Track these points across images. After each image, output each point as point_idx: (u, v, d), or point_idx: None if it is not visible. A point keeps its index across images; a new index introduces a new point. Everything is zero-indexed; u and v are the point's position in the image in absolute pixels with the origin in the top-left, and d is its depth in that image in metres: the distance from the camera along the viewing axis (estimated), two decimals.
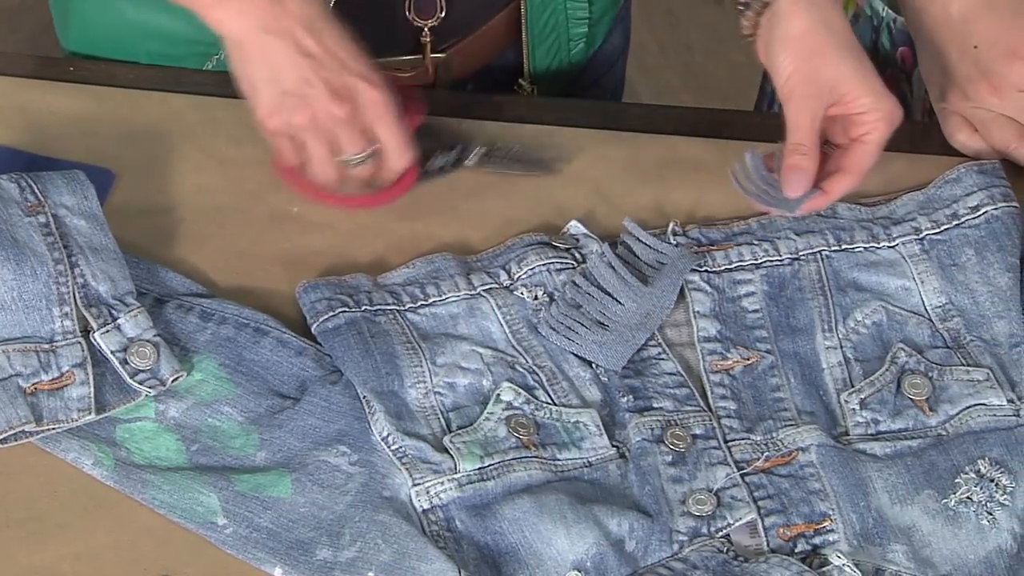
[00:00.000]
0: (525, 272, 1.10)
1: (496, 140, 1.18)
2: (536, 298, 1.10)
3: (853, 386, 1.07)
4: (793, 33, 1.07)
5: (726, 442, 1.04)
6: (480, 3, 1.27)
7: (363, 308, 1.07)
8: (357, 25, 1.20)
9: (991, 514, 1.02)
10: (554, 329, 1.08)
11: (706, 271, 1.11)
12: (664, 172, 1.19)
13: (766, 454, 1.03)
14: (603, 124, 1.22)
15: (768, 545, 1.00)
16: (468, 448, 1.02)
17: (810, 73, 1.07)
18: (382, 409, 1.03)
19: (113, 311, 1.03)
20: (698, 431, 1.04)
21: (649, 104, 1.34)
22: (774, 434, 1.04)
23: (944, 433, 1.05)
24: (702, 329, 1.09)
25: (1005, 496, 1.02)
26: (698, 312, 1.09)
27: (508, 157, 1.17)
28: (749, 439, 1.04)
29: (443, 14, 1.23)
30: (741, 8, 1.10)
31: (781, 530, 1.00)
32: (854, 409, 1.06)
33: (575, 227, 1.12)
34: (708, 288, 1.11)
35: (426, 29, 1.24)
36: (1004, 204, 1.14)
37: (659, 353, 1.08)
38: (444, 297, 1.09)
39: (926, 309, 1.11)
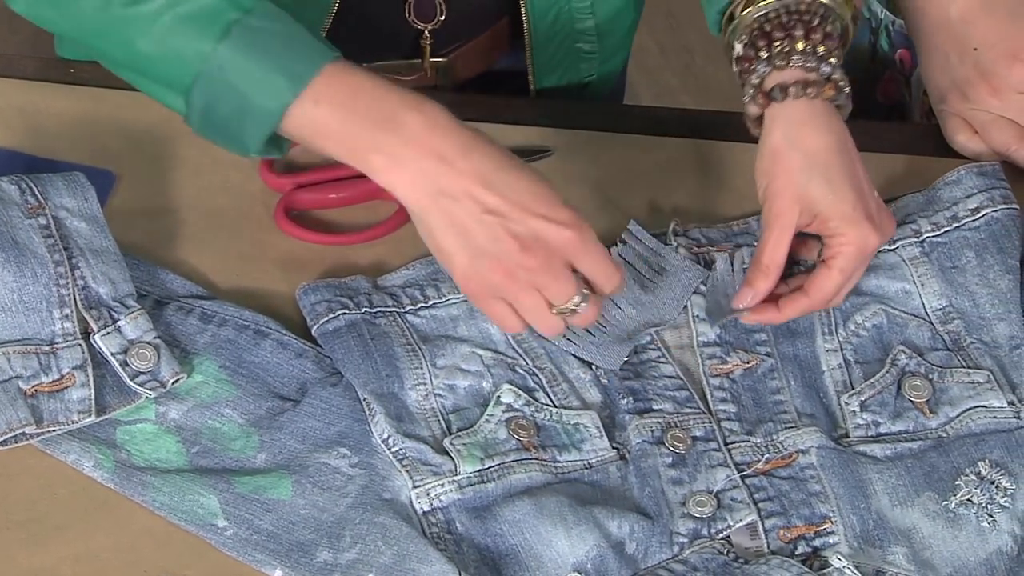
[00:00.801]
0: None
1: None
2: None
3: (853, 388, 1.07)
4: (774, 144, 1.05)
5: (726, 444, 1.04)
6: (479, 9, 1.27)
7: (363, 310, 1.07)
8: (358, 28, 1.20)
9: (991, 516, 1.02)
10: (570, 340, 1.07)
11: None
12: (664, 174, 1.19)
13: (766, 456, 1.03)
14: (603, 126, 1.22)
15: (768, 547, 1.00)
16: (468, 450, 1.02)
17: (791, 190, 1.04)
18: (382, 411, 1.03)
19: (113, 313, 1.03)
20: (698, 433, 1.04)
21: (649, 106, 1.34)
22: (774, 436, 1.04)
23: (944, 435, 1.05)
24: (701, 334, 1.09)
25: (1005, 498, 1.02)
26: (697, 316, 1.09)
27: None
28: (749, 441, 1.04)
29: (443, 17, 1.23)
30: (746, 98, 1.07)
31: (781, 532, 1.01)
32: (854, 411, 1.06)
33: None
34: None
35: (426, 32, 1.24)
36: (1004, 206, 1.14)
37: (659, 356, 1.08)
38: (444, 299, 1.09)
39: (926, 311, 1.11)
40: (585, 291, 0.99)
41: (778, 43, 1.05)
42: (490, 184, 0.97)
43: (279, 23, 0.98)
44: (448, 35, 1.26)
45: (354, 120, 0.97)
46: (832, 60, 1.05)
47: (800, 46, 1.04)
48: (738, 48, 1.07)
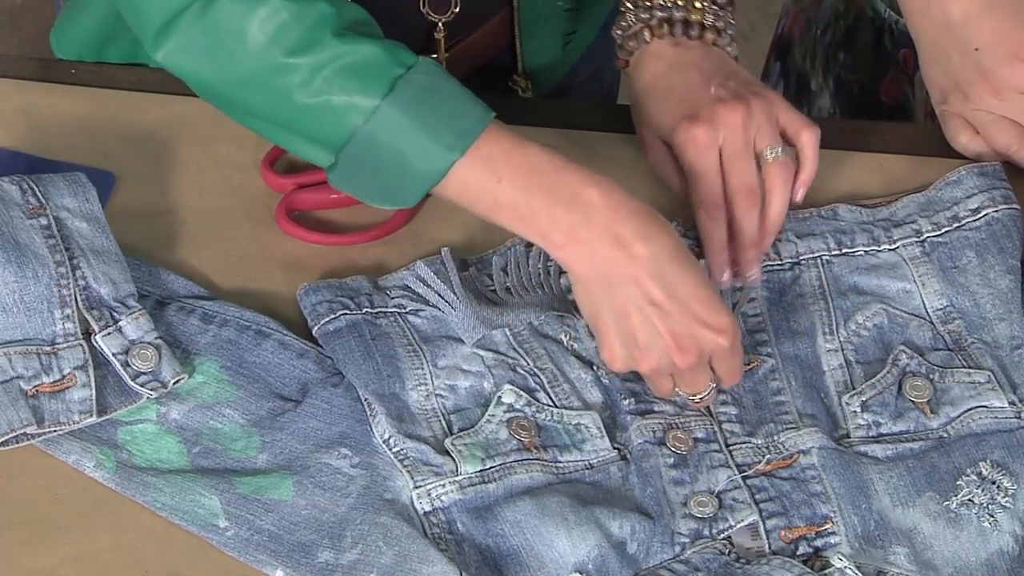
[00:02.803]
0: (524, 274, 1.10)
1: None
2: None
3: (854, 388, 1.07)
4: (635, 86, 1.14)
5: (727, 446, 1.04)
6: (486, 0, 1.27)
7: (364, 310, 1.07)
8: None
9: (993, 516, 1.02)
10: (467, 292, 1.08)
11: None
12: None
13: (767, 457, 1.03)
14: (603, 126, 1.22)
15: (770, 547, 1.00)
16: (469, 450, 1.02)
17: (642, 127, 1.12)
18: (383, 411, 1.03)
19: (114, 313, 1.03)
20: (699, 434, 1.04)
21: None
22: (775, 437, 1.04)
23: (945, 435, 1.05)
24: None
25: (1007, 498, 1.02)
26: None
27: None
28: (750, 442, 1.04)
29: (457, 9, 1.23)
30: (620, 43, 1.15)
31: (783, 532, 1.00)
32: (855, 411, 1.06)
33: None
34: None
35: (440, 24, 1.23)
36: (1005, 206, 1.14)
37: None
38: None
39: (927, 311, 1.11)
40: (712, 383, 1.03)
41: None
42: (659, 277, 0.98)
43: (441, 80, 0.99)
44: (458, 28, 1.25)
45: (536, 197, 0.98)
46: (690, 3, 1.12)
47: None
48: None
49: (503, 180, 0.98)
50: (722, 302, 1.01)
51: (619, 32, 1.15)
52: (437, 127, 0.97)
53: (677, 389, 1.04)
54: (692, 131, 1.08)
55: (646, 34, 1.13)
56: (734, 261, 1.09)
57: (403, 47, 1.00)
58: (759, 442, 1.04)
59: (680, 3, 1.13)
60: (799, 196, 1.10)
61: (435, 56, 1.24)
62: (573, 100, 1.38)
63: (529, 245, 1.10)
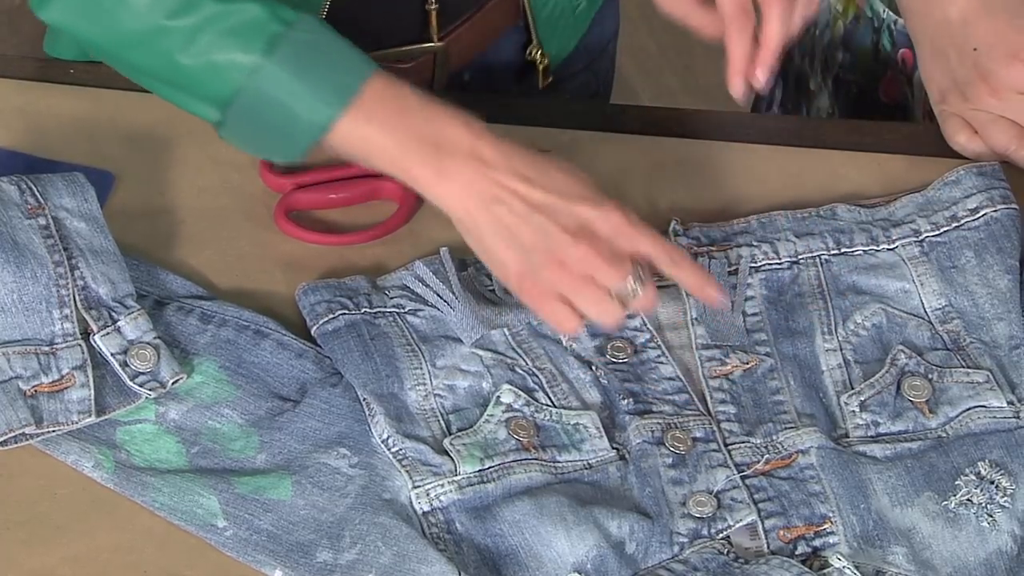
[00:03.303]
0: None
1: None
2: None
3: (853, 388, 1.07)
4: None
5: (726, 445, 1.04)
6: None
7: (363, 310, 1.07)
8: (363, 9, 1.20)
9: (991, 516, 1.02)
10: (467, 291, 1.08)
11: None
12: (664, 174, 1.19)
13: (766, 457, 1.03)
14: (602, 126, 1.22)
15: (768, 547, 1.00)
16: (468, 450, 1.02)
17: None
18: (382, 411, 1.03)
19: (113, 313, 1.03)
20: (698, 434, 1.04)
21: (648, 106, 1.34)
22: (774, 437, 1.04)
23: (944, 435, 1.05)
24: (700, 336, 1.09)
25: (1005, 498, 1.02)
26: (695, 318, 1.09)
27: None
28: (749, 442, 1.04)
29: None
30: None
31: (781, 532, 1.00)
32: (854, 411, 1.06)
33: None
34: None
35: (432, 1, 1.24)
36: (1003, 206, 1.14)
37: (658, 356, 1.08)
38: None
39: (926, 311, 1.11)
40: (642, 276, 1.01)
41: None
42: (532, 181, 0.99)
43: (323, 36, 1.00)
44: (457, 9, 1.25)
45: (404, 138, 1.00)
46: None
47: None
48: None
49: (375, 125, 1.00)
50: (598, 187, 1.01)
51: None
52: (318, 82, 0.99)
53: (612, 298, 1.01)
54: None
55: None
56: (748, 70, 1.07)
57: (283, 6, 1.01)
58: (758, 442, 1.04)
59: None
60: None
61: (430, 37, 1.24)
62: (568, 96, 1.38)
63: None
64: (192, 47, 0.99)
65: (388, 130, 1.00)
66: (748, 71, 1.06)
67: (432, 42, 1.25)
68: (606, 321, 1.02)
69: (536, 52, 1.30)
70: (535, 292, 1.01)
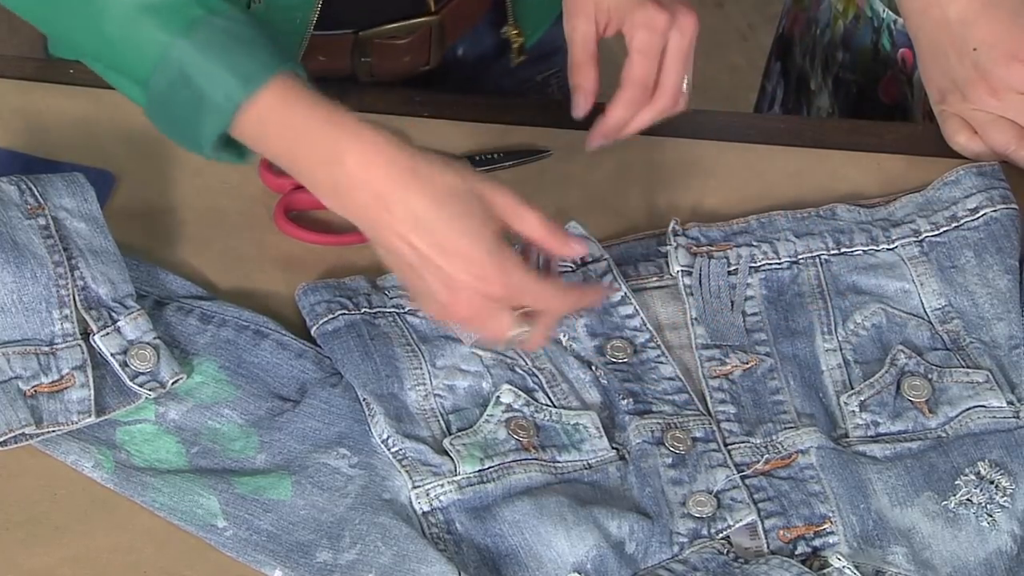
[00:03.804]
0: None
1: (481, 148, 1.18)
2: None
3: (853, 388, 1.07)
4: None
5: (726, 445, 1.04)
6: None
7: (362, 310, 1.07)
8: None
9: (991, 516, 1.02)
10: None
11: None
12: (663, 174, 1.19)
13: (766, 456, 1.03)
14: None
15: (768, 547, 1.00)
16: (468, 450, 1.02)
17: (587, 6, 1.11)
18: (382, 411, 1.03)
19: (113, 313, 1.03)
20: (698, 434, 1.04)
21: None
22: (774, 437, 1.04)
23: (944, 435, 1.05)
24: (699, 336, 1.09)
25: (1005, 498, 1.02)
26: (695, 318, 1.09)
27: (493, 162, 1.18)
28: (749, 442, 1.04)
29: None
30: None
31: (781, 532, 1.00)
32: (854, 411, 1.06)
33: (574, 228, 1.12)
34: None
35: None
36: (1003, 206, 1.14)
37: (658, 356, 1.08)
38: None
39: (925, 311, 1.11)
40: (527, 323, 0.99)
41: None
42: (421, 231, 0.97)
43: (244, 27, 0.99)
44: None
45: (299, 154, 0.99)
46: None
47: None
48: None
49: (271, 135, 0.99)
50: (499, 251, 0.97)
51: None
52: (229, 67, 0.98)
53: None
54: (654, 17, 1.11)
55: None
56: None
57: None
58: (758, 441, 1.04)
59: None
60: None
61: (426, 9, 1.24)
62: (557, 71, 1.37)
63: (528, 245, 1.10)
64: (115, 19, 0.99)
65: (284, 142, 0.99)
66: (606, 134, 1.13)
67: (428, 15, 1.25)
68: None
69: (511, 31, 1.31)
70: (434, 316, 1.03)
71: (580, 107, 1.13)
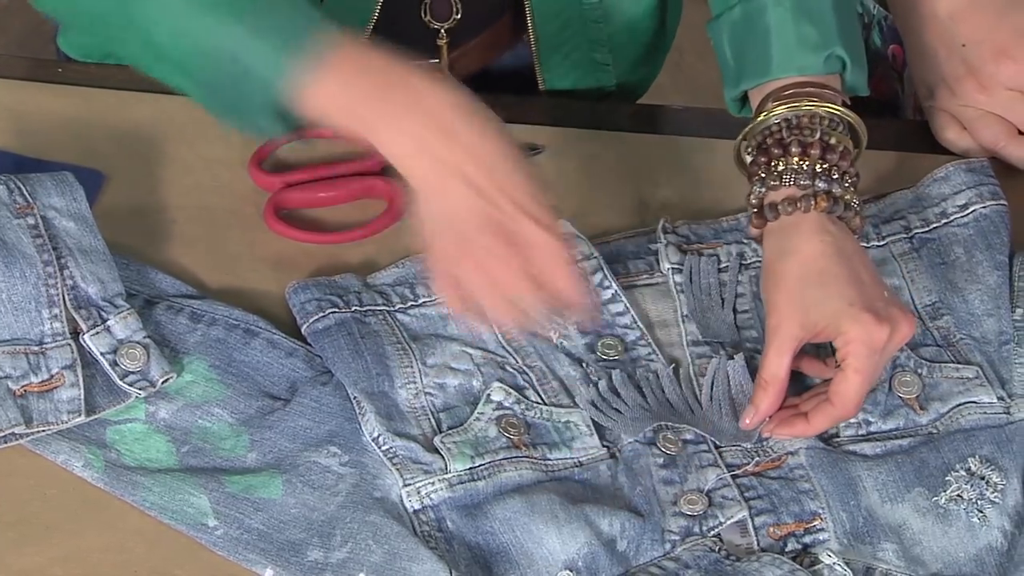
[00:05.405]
0: None
1: None
2: None
3: None
4: (768, 259, 1.04)
5: (716, 447, 1.04)
6: (488, 6, 1.27)
7: (353, 309, 1.07)
8: (373, 31, 1.19)
9: (981, 512, 1.02)
10: (597, 408, 1.05)
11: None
12: (654, 172, 1.19)
13: (756, 459, 1.03)
14: (594, 124, 1.22)
15: (758, 544, 1.00)
16: (459, 448, 1.02)
17: (787, 302, 1.02)
18: (372, 410, 1.03)
19: (103, 313, 1.03)
20: (689, 436, 1.04)
21: (639, 104, 1.34)
22: (763, 439, 1.04)
23: (935, 431, 1.05)
24: (690, 332, 1.09)
25: (995, 494, 1.02)
26: (686, 315, 1.09)
27: None
28: (739, 445, 1.04)
29: (458, 16, 1.23)
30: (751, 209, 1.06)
31: (771, 529, 1.01)
32: None
33: (564, 227, 1.12)
34: None
35: (443, 31, 1.23)
36: (992, 202, 1.14)
37: (648, 354, 1.08)
38: (434, 298, 1.09)
39: (916, 307, 1.11)
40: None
41: (775, 161, 1.04)
42: (485, 166, 0.95)
43: None
44: (459, 34, 1.25)
45: (364, 91, 0.96)
46: (832, 174, 1.03)
47: (795, 162, 1.03)
48: (747, 159, 1.08)
49: (331, 76, 0.96)
50: (547, 203, 0.96)
51: (760, 187, 1.05)
52: (275, 36, 0.96)
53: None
54: (872, 333, 1.00)
55: (810, 203, 1.03)
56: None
57: None
58: (748, 445, 1.04)
59: (834, 175, 1.04)
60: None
61: (437, 62, 1.24)
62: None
63: None
64: (168, 10, 0.96)
65: (347, 84, 0.96)
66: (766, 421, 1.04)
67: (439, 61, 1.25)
68: (496, 317, 1.00)
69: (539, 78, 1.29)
70: (439, 262, 0.98)
71: (746, 422, 1.04)
